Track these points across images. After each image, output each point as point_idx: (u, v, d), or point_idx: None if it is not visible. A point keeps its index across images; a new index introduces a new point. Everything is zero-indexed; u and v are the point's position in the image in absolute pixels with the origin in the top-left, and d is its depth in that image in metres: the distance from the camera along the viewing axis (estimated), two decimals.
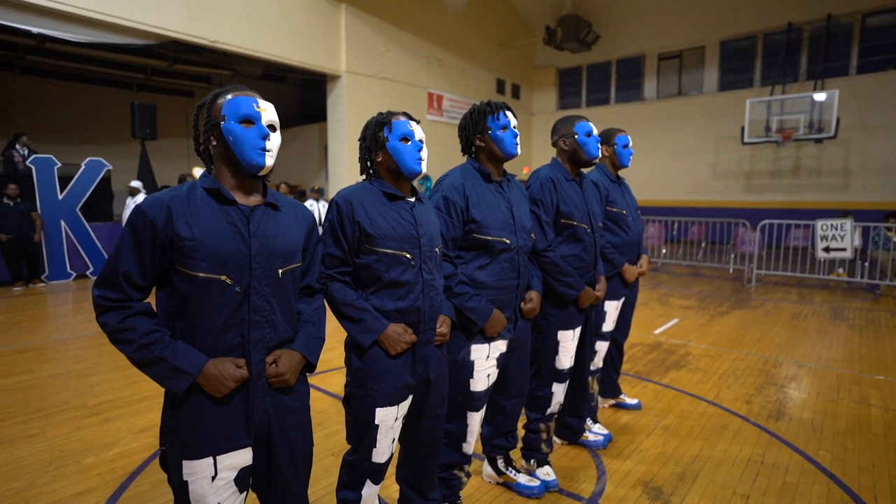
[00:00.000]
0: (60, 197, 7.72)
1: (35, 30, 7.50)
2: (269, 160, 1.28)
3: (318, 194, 8.99)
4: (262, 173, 1.29)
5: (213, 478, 1.25)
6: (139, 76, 12.70)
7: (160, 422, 1.30)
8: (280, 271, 1.31)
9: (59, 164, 7.76)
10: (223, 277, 1.23)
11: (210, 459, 1.24)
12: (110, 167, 8.42)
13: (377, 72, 11.72)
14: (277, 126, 1.32)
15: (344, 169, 11.16)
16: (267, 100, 1.34)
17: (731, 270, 9.04)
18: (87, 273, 7.93)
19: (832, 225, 7.24)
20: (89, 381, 3.67)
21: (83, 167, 8.07)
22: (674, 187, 14.06)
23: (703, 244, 10.75)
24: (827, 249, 7.29)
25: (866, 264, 7.50)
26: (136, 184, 8.26)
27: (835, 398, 3.45)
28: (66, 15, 7.43)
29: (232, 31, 9.24)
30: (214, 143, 1.29)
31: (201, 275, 1.21)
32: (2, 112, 11.85)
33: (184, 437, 1.24)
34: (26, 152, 8.24)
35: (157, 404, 3.27)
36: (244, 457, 1.29)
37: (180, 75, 12.92)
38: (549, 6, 14.24)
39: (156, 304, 1.29)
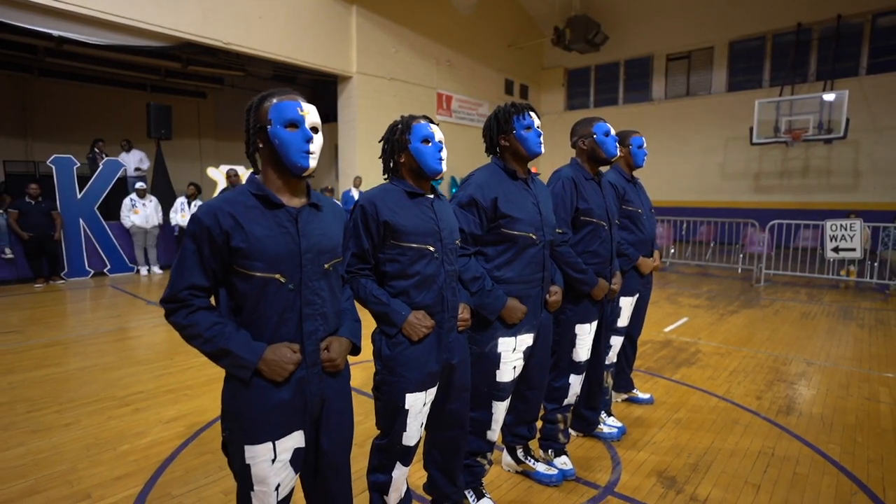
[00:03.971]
0: (79, 196, 7.88)
1: (56, 32, 7.66)
2: (313, 162, 1.36)
3: (331, 194, 9.12)
4: (305, 174, 1.37)
5: (273, 460, 1.35)
6: (153, 77, 12.87)
7: (221, 409, 1.40)
8: (326, 266, 1.41)
9: (78, 164, 7.94)
10: (277, 276, 1.33)
11: (269, 444, 1.34)
12: (126, 167, 8.58)
13: (387, 73, 11.83)
14: (320, 128, 1.40)
15: (354, 169, 11.26)
16: None
17: (739, 270, 9.07)
18: (105, 270, 8.09)
19: (842, 225, 7.26)
20: (115, 374, 3.80)
21: (101, 167, 8.24)
22: (682, 187, 14.06)
23: (712, 244, 10.77)
24: (836, 250, 7.32)
25: (876, 265, 7.52)
26: (141, 185, 8.45)
27: (844, 395, 3.51)
28: (86, 18, 7.59)
29: (245, 32, 9.39)
30: (261, 145, 1.37)
31: (258, 274, 1.31)
32: (20, 113, 12.07)
33: (244, 424, 1.34)
34: (104, 156, 8.82)
35: (182, 396, 3.38)
36: (298, 439, 1.39)
37: (193, 76, 13.08)
38: (557, 7, 14.29)
39: (216, 302, 1.39)
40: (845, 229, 7.23)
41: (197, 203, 8.77)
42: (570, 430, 2.81)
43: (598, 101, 16.05)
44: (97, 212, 8.04)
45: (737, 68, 13.48)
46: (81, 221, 7.85)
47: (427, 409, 1.74)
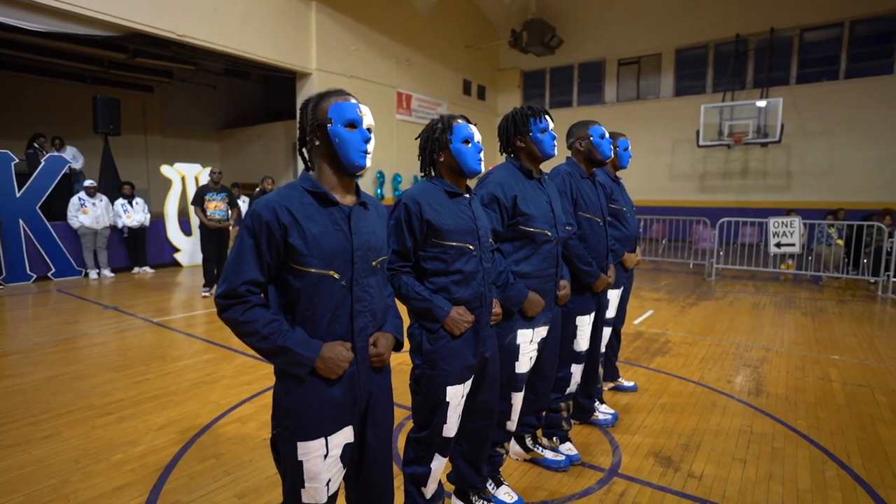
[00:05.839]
0: (18, 194, 7.32)
1: None
2: (368, 161, 1.39)
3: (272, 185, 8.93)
4: (359, 173, 1.40)
5: (325, 456, 1.36)
6: (95, 69, 12.07)
7: (272, 407, 1.39)
8: (374, 263, 1.43)
9: (17, 160, 7.36)
10: (331, 272, 1.33)
11: (322, 440, 1.35)
12: (72, 163, 8.05)
13: (347, 70, 11.68)
14: (373, 129, 1.43)
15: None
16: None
17: (691, 266, 9.64)
18: (49, 274, 7.55)
19: (783, 222, 7.88)
20: (89, 382, 3.59)
21: (42, 163, 7.69)
22: (632, 187, 14.52)
23: (664, 241, 11.37)
24: (779, 245, 7.93)
25: (811, 258, 8.22)
26: (91, 183, 7.93)
27: (801, 376, 3.85)
28: (25, 3, 7.05)
29: (200, 25, 9.00)
30: (318, 143, 1.38)
31: (313, 271, 1.31)
32: None
33: (297, 421, 1.34)
34: (44, 152, 8.25)
35: (168, 402, 3.25)
36: (348, 434, 1.41)
37: (139, 69, 12.38)
38: (514, 10, 14.61)
39: (267, 299, 1.37)
40: (786, 226, 7.85)
41: (137, 202, 8.39)
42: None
43: (552, 103, 16.50)
44: (39, 211, 7.50)
45: (683, 74, 14.27)
46: (21, 222, 7.30)
47: (464, 401, 1.79)
